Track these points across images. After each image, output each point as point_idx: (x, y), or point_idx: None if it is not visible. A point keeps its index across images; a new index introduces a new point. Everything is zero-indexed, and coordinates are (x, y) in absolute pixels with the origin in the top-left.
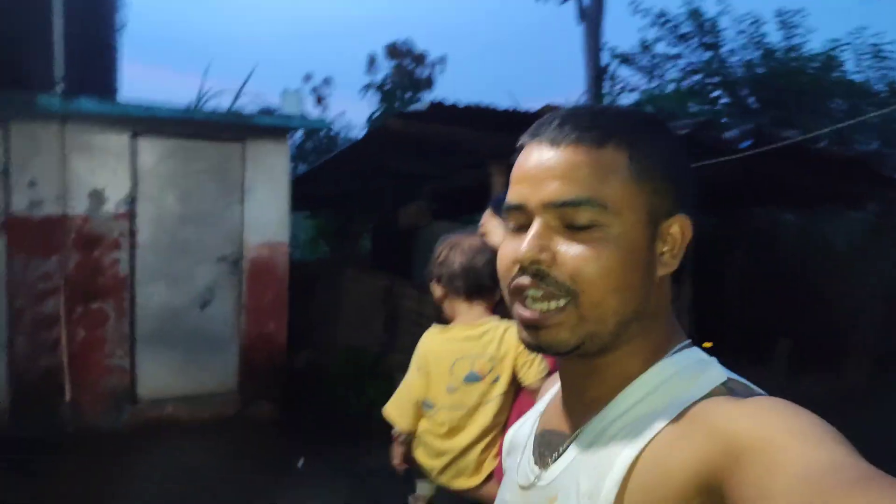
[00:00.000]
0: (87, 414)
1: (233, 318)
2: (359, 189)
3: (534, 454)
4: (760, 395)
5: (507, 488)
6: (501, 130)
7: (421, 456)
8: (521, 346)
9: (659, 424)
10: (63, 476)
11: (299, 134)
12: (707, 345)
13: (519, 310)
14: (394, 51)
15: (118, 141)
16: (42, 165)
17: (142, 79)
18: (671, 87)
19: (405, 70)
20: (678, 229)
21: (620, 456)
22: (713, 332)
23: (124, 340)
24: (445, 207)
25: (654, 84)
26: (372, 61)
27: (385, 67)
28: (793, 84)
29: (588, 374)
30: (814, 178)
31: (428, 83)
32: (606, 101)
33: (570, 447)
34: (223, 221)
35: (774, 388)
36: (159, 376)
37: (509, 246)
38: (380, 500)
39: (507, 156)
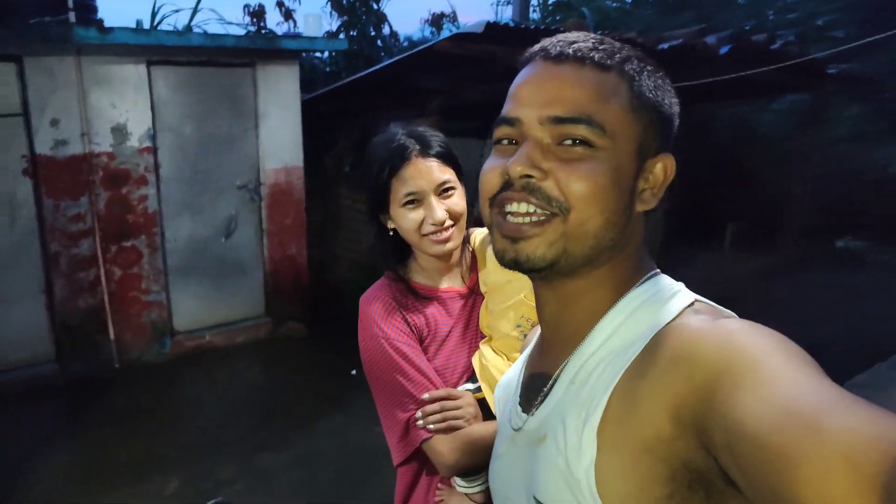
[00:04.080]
0: (132, 349)
1: (256, 244)
2: (352, 107)
3: (520, 400)
4: (729, 317)
5: (500, 439)
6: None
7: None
8: None
9: (631, 354)
10: (118, 409)
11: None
12: None
13: (499, 222)
14: None
15: (136, 72)
16: (62, 102)
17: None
18: None
19: None
20: (661, 168)
21: (598, 390)
22: (666, 224)
23: (159, 275)
24: (453, 123)
25: None
26: None
27: None
28: None
29: (562, 306)
30: (762, 75)
31: None
32: None
33: (555, 387)
34: (240, 149)
35: (723, 267)
36: (194, 307)
37: (496, 161)
38: None
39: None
